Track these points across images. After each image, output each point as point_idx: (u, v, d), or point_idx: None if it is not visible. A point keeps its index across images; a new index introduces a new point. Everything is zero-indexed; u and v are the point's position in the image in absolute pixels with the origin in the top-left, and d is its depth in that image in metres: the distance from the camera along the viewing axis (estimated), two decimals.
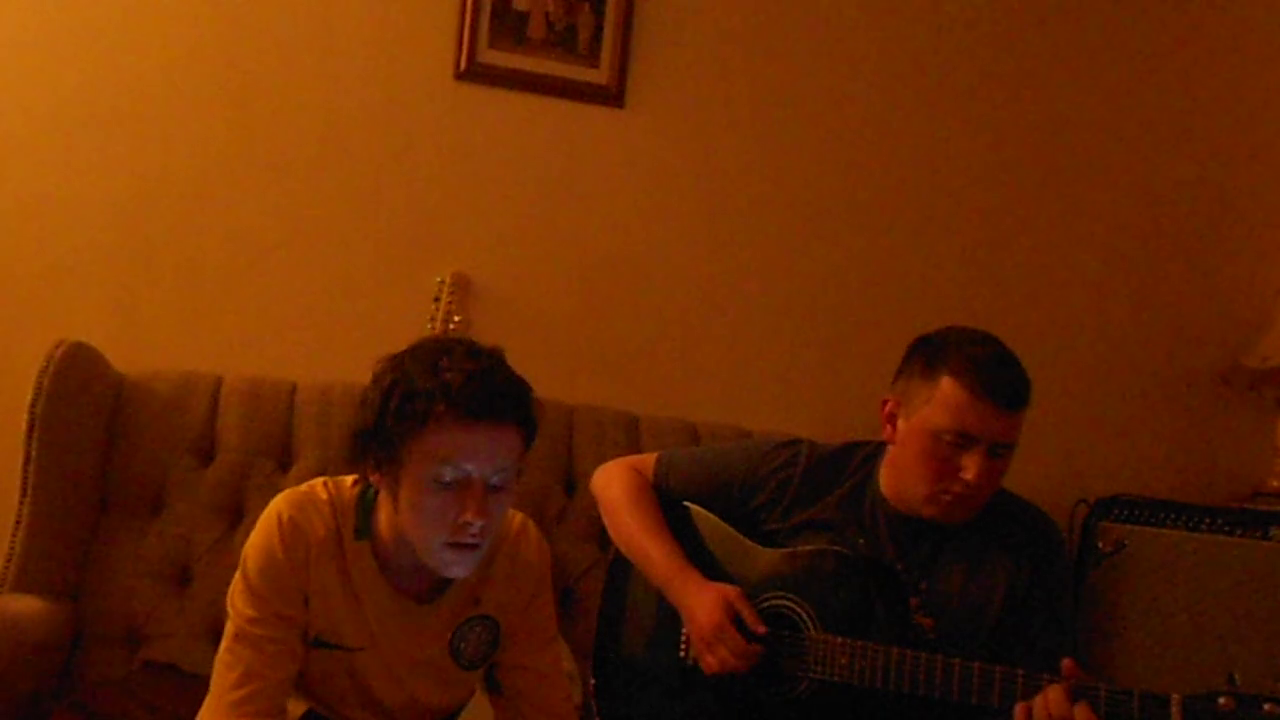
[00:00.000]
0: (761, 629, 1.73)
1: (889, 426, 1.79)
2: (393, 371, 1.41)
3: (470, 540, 1.40)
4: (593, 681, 1.99)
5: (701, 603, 1.76)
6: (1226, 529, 2.36)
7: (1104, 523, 2.45)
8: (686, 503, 1.95)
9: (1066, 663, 1.51)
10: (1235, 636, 2.31)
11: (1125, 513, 2.45)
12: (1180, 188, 2.86)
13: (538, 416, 1.46)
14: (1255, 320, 2.78)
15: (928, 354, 1.74)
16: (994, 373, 1.68)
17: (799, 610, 1.75)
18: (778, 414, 2.59)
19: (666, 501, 1.95)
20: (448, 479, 1.37)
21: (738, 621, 1.74)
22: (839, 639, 1.68)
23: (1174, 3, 2.86)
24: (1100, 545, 2.42)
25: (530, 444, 1.46)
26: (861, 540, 1.78)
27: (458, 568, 1.44)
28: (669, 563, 1.84)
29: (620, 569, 1.98)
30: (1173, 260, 2.85)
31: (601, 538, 2.27)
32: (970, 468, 1.67)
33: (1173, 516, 2.40)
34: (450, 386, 1.36)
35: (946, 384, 1.68)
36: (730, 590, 1.77)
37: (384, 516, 1.47)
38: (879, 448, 1.85)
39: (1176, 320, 2.84)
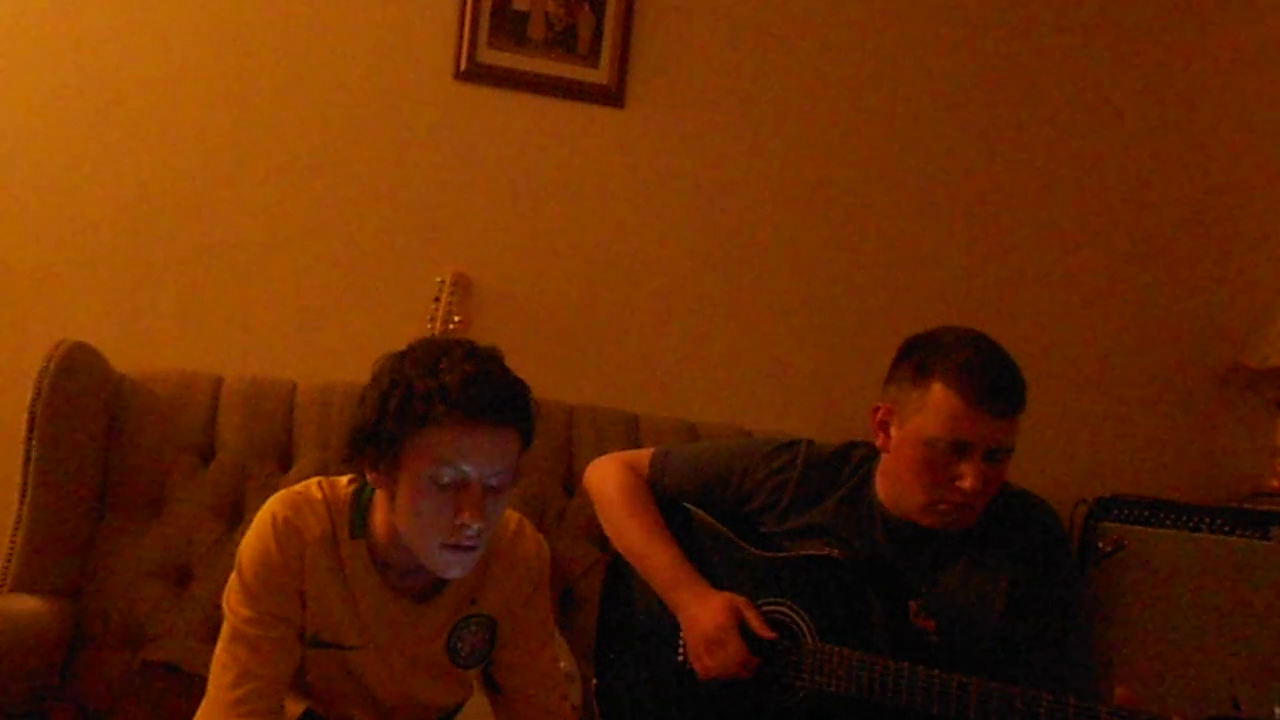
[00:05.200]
0: (770, 634, 1.71)
1: (881, 434, 1.74)
2: (392, 372, 1.41)
3: (467, 542, 1.40)
4: (594, 681, 1.99)
5: (707, 608, 1.74)
6: (1226, 529, 2.36)
7: (1104, 523, 2.45)
8: (684, 504, 1.93)
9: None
10: (1235, 636, 2.31)
11: (1125, 513, 2.45)
12: (1180, 189, 2.87)
13: (536, 418, 1.46)
14: (1255, 320, 2.79)
15: (917, 359, 1.69)
16: (987, 377, 1.63)
17: (796, 618, 1.73)
18: (778, 414, 2.59)
19: (662, 500, 1.93)
20: (445, 480, 1.37)
21: (743, 628, 1.73)
22: (837, 649, 1.65)
23: (1174, 5, 2.86)
24: (1100, 545, 2.42)
25: (528, 445, 1.46)
26: (859, 545, 1.76)
27: (455, 569, 1.44)
28: (673, 569, 1.82)
29: (619, 568, 1.96)
30: (1173, 260, 2.85)
31: (602, 538, 2.27)
32: (967, 476, 1.62)
33: (1173, 516, 2.41)
34: (450, 388, 1.36)
35: (938, 391, 1.63)
36: (738, 598, 1.75)
37: (380, 515, 1.47)
38: (875, 449, 1.81)
39: (1176, 320, 2.84)
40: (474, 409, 1.36)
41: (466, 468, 1.37)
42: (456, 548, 1.40)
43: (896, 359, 1.75)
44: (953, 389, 1.63)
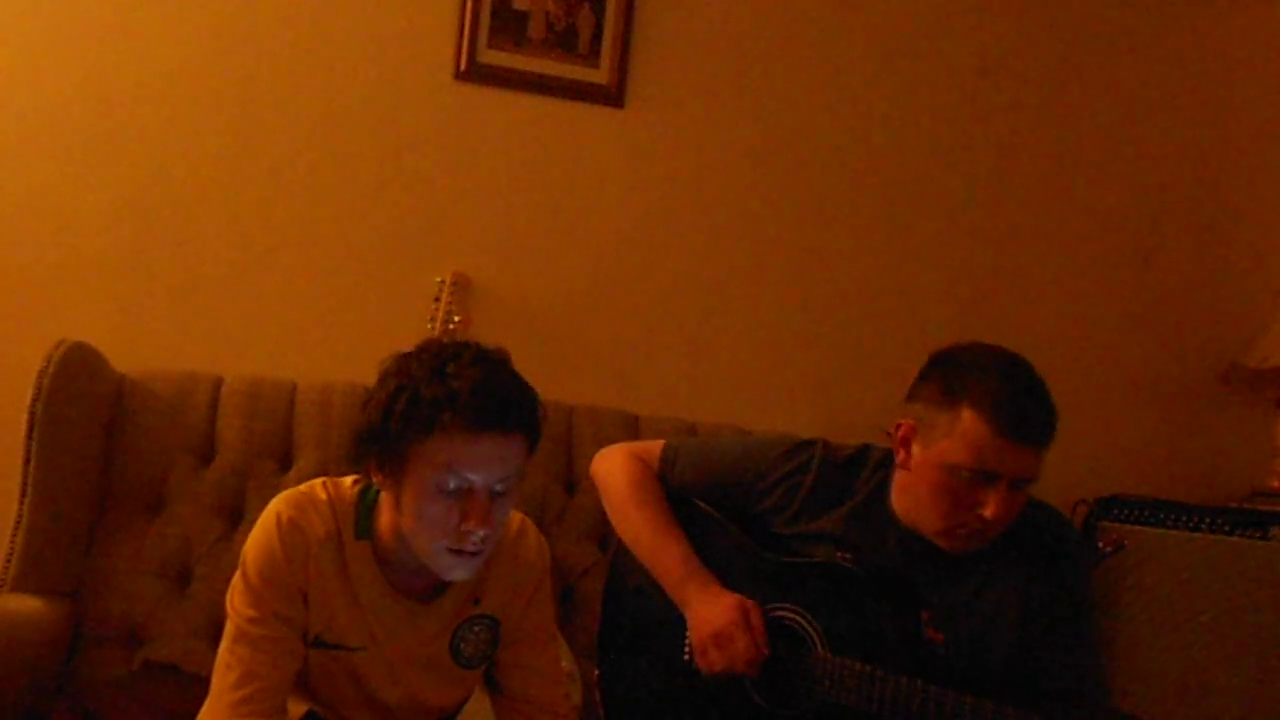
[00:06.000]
0: (764, 650, 1.69)
1: (902, 451, 1.69)
2: (399, 375, 1.40)
3: (472, 548, 1.40)
4: (596, 672, 1.98)
5: (716, 606, 1.73)
6: (1226, 529, 2.36)
7: (1104, 523, 2.45)
8: (693, 499, 1.90)
9: None
10: (1235, 636, 2.31)
11: (1125, 513, 2.45)
12: (1180, 188, 2.87)
13: (543, 423, 1.45)
14: (1255, 320, 2.78)
15: (947, 379, 1.63)
16: (1020, 408, 1.58)
17: (805, 626, 1.71)
18: (778, 414, 2.59)
19: (670, 494, 1.90)
20: (451, 487, 1.37)
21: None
22: (847, 662, 1.63)
23: (1173, 4, 2.86)
24: (1100, 545, 2.42)
25: (534, 451, 1.45)
26: (871, 554, 1.72)
27: (458, 572, 1.44)
28: (682, 566, 1.80)
29: (621, 563, 1.95)
30: (1172, 260, 2.85)
31: (602, 538, 2.27)
32: (990, 504, 1.58)
33: (1173, 516, 2.40)
34: (458, 395, 1.35)
35: (968, 418, 1.58)
36: (748, 601, 1.73)
37: (385, 517, 1.47)
38: (890, 456, 1.76)
39: (1176, 320, 2.84)
40: (481, 418, 1.35)
41: (472, 476, 1.37)
42: (461, 553, 1.40)
43: (922, 375, 1.70)
44: (984, 418, 1.57)
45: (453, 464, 1.36)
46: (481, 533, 1.38)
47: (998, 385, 1.59)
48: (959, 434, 1.59)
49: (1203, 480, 2.76)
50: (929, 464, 1.63)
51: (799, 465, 1.82)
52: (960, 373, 1.63)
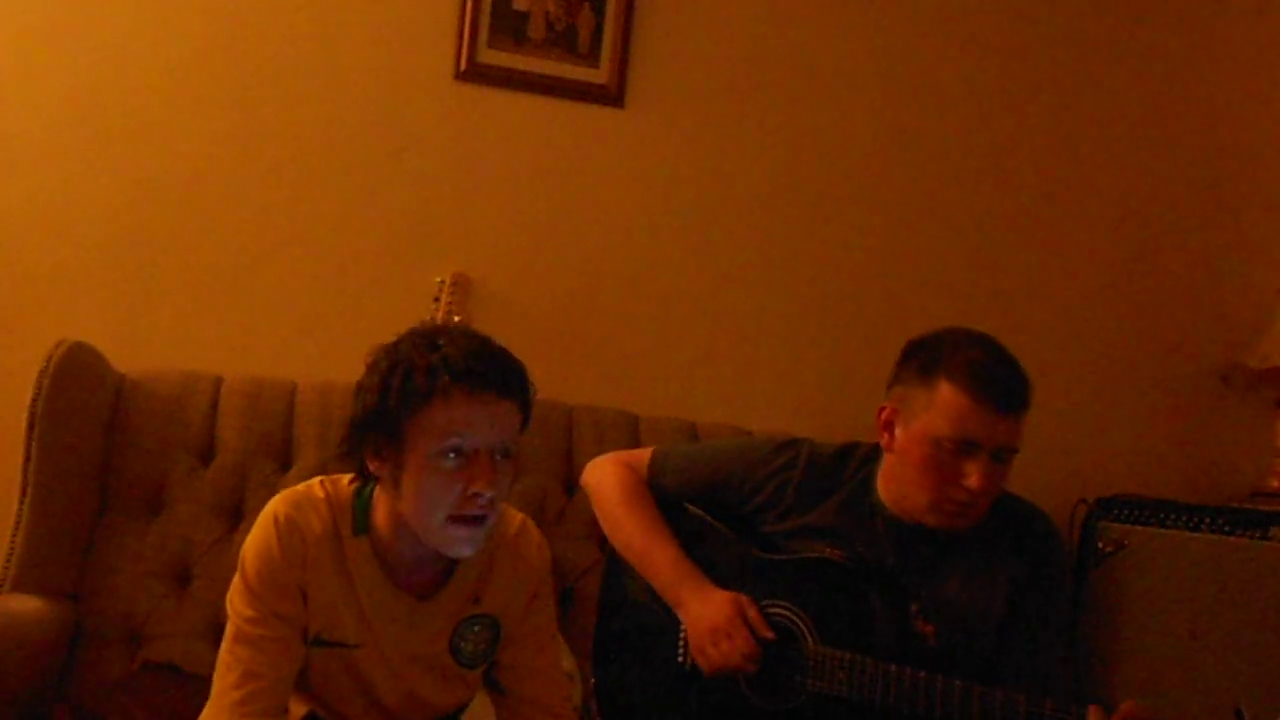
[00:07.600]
0: (769, 634, 1.71)
1: (886, 435, 1.74)
2: (389, 356, 1.42)
3: (479, 512, 1.40)
4: (593, 680, 1.98)
5: (711, 603, 1.74)
6: (1226, 529, 2.36)
7: (1104, 523, 2.45)
8: (684, 504, 1.92)
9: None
10: (1235, 636, 2.31)
11: (1125, 513, 2.45)
12: (1180, 188, 2.87)
13: (534, 397, 1.47)
14: (1255, 320, 2.79)
15: (923, 359, 1.69)
16: (994, 376, 1.64)
17: (797, 620, 1.73)
18: (778, 414, 2.59)
19: (661, 500, 1.92)
20: (453, 454, 1.38)
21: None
22: (837, 653, 1.65)
23: (1173, 4, 2.86)
24: (1100, 545, 2.42)
25: (526, 423, 1.47)
26: (861, 547, 1.75)
27: (463, 545, 1.43)
28: (674, 567, 1.81)
29: (615, 567, 1.96)
30: (1173, 260, 2.86)
31: (601, 538, 2.26)
32: (973, 474, 1.62)
33: (1173, 516, 2.41)
34: (453, 360, 1.37)
35: (946, 390, 1.64)
36: (741, 596, 1.75)
37: (382, 510, 1.47)
38: (875, 450, 1.81)
39: (1176, 320, 2.85)
40: (477, 380, 1.37)
41: (475, 438, 1.38)
42: (465, 521, 1.40)
43: (901, 359, 1.75)
44: (960, 387, 1.63)
45: (455, 428, 1.37)
46: (488, 494, 1.39)
47: (971, 357, 1.65)
48: (938, 407, 1.64)
49: (1203, 480, 2.77)
50: (912, 441, 1.68)
51: (787, 461, 1.84)
52: (935, 351, 1.69)
